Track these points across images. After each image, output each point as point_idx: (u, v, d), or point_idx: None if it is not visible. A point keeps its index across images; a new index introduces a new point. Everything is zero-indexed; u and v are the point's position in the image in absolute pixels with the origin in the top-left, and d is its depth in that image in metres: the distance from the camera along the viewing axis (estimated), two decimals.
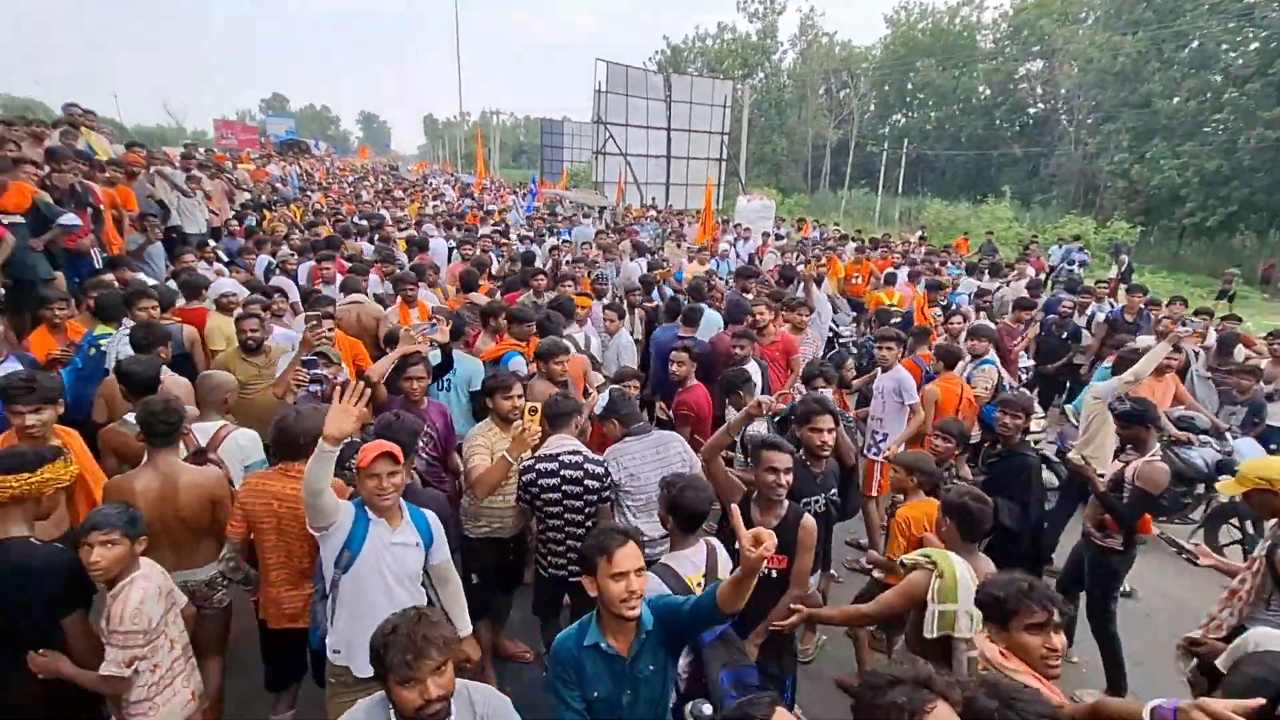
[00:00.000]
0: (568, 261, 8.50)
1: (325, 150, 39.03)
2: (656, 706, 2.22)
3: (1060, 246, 15.90)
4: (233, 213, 10.68)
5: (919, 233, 18.02)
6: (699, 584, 2.62)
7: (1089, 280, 12.79)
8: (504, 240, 10.49)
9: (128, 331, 4.15)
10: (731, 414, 4.29)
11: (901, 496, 3.62)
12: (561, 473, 3.26)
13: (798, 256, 11.29)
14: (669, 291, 7.83)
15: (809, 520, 2.96)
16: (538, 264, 8.41)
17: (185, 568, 2.96)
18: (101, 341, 4.32)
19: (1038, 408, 6.16)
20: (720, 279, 8.69)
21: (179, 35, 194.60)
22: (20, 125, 7.43)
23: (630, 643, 2.13)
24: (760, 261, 12.27)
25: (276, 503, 2.86)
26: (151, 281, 5.70)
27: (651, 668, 2.16)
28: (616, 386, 3.91)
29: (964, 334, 5.94)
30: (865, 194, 41.39)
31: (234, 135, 34.56)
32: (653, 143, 26.56)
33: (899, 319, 7.54)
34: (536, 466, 3.26)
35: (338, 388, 2.73)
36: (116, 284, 5.23)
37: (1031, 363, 7.87)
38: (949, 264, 11.45)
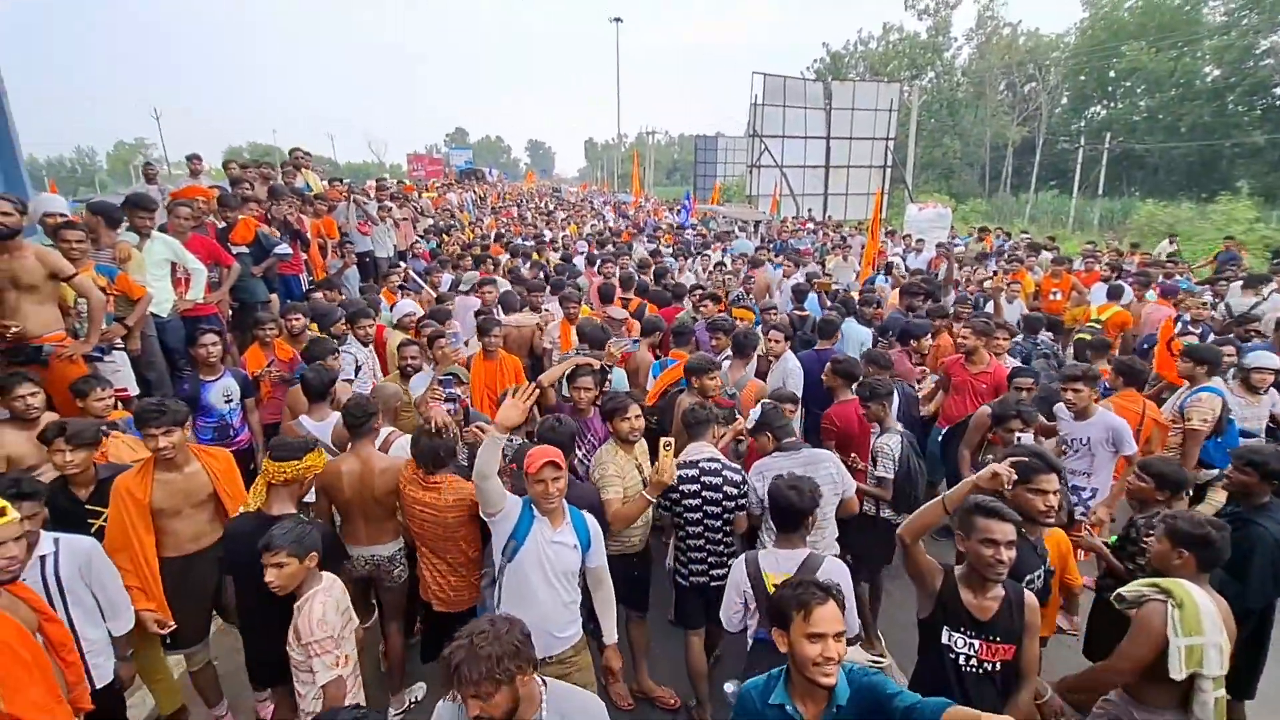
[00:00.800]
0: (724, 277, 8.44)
1: (497, 177, 42.32)
2: None
3: None
4: (417, 237, 11.75)
5: (1167, 242, 15.21)
6: (778, 585, 2.37)
7: None
8: (656, 259, 10.51)
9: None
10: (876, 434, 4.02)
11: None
12: (701, 479, 3.37)
13: (974, 269, 10.16)
14: (828, 302, 7.42)
15: (1032, 600, 2.47)
16: (690, 280, 8.37)
17: (374, 543, 3.46)
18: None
19: None
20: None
21: (381, 82, 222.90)
22: (253, 168, 8.69)
23: (819, 713, 1.93)
24: (936, 275, 11.27)
25: (419, 508, 3.26)
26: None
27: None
28: (770, 401, 3.91)
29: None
30: (1055, 197, 36.95)
31: (423, 167, 38.57)
32: (810, 153, 25.67)
33: (1091, 337, 6.10)
34: (676, 473, 3.29)
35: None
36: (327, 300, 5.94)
37: None
38: (1177, 277, 9.65)
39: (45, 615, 2.50)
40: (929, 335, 5.93)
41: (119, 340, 4.46)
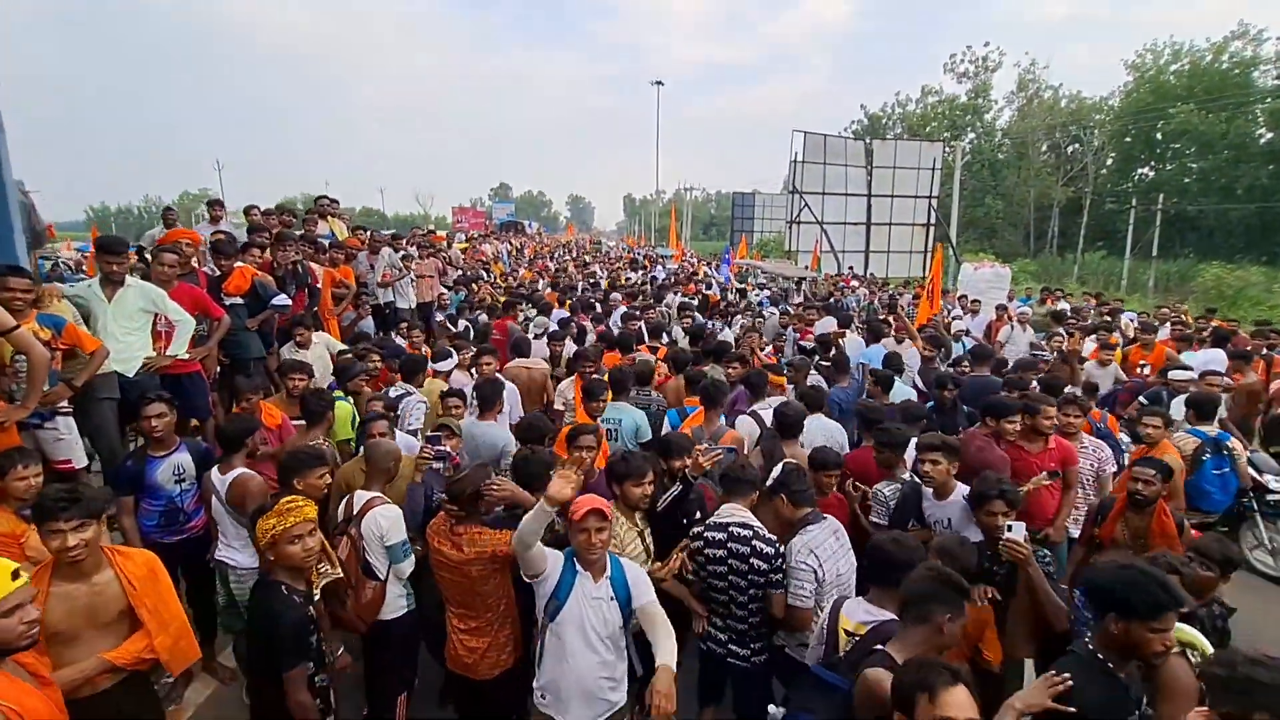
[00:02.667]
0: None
1: (536, 229, 42.82)
2: None
3: None
4: (444, 289, 11.26)
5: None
6: (850, 631, 2.52)
7: None
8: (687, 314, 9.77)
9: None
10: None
11: None
12: (729, 545, 3.10)
13: (1049, 337, 9.14)
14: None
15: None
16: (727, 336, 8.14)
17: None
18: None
19: None
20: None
21: (428, 137, 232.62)
22: (274, 215, 8.27)
23: None
24: (996, 339, 10.29)
25: (440, 558, 3.03)
26: None
27: None
28: (793, 461, 3.63)
29: None
30: (1104, 258, 35.58)
31: (466, 219, 39.40)
32: (851, 210, 25.08)
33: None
34: (705, 534, 3.16)
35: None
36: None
37: None
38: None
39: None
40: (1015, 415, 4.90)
41: (65, 404, 3.78)
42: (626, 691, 2.78)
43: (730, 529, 3.09)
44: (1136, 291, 29.03)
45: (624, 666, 2.75)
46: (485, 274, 14.58)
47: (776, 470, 3.40)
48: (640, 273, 19.37)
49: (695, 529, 3.20)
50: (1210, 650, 2.26)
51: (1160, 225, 32.68)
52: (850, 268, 22.55)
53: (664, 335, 8.54)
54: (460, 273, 12.34)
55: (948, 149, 28.43)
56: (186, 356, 4.68)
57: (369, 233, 8.93)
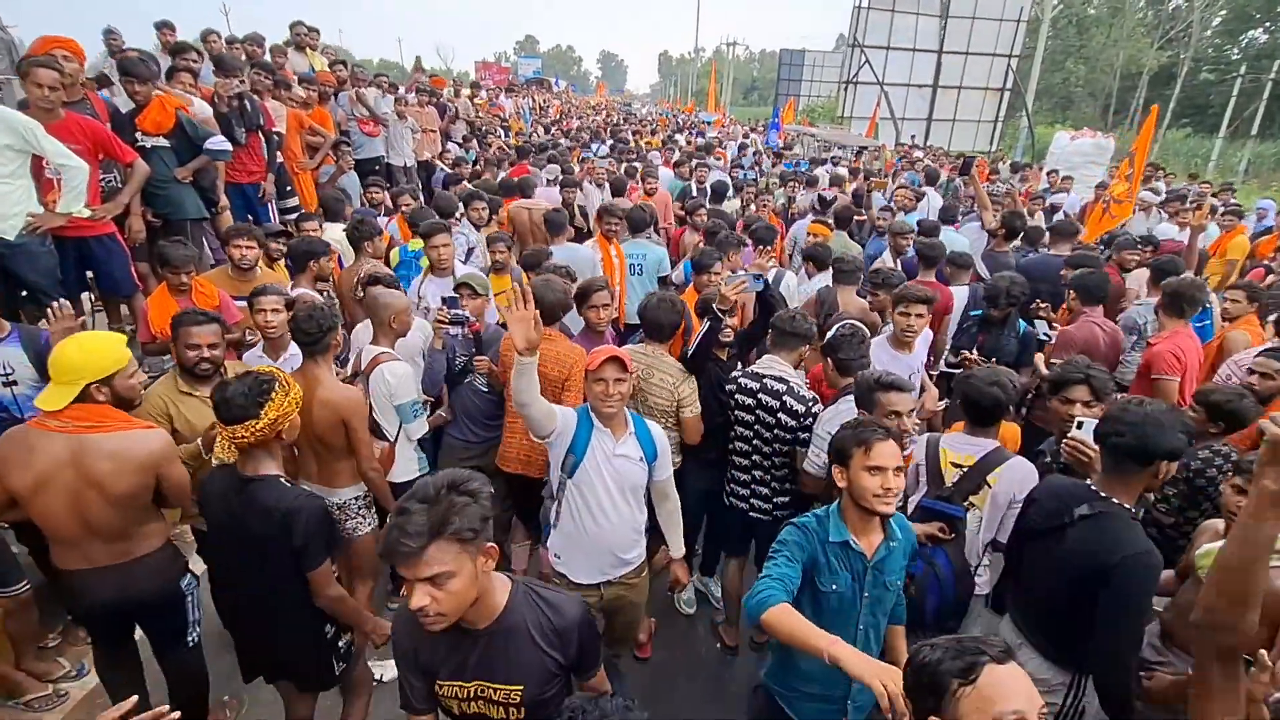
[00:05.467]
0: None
1: (564, 88, 39.50)
2: (879, 623, 2.08)
3: None
4: (456, 143, 9.81)
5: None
6: (958, 463, 2.59)
7: None
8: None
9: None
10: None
11: None
12: (759, 395, 3.00)
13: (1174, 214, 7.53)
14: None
15: None
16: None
17: (326, 485, 2.91)
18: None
19: None
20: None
21: None
22: (242, 44, 6.75)
23: (876, 546, 2.00)
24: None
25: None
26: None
27: (893, 574, 2.04)
28: (850, 322, 3.39)
29: None
30: (1187, 137, 31.76)
31: (491, 75, 36.52)
32: (917, 70, 22.09)
33: None
34: (739, 380, 3.09)
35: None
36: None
37: None
38: None
39: None
40: None
41: None
42: (645, 548, 2.71)
43: (765, 380, 2.97)
44: (1225, 178, 26.00)
45: (644, 521, 2.65)
46: (503, 132, 12.92)
47: (833, 330, 3.20)
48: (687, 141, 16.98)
49: (734, 373, 3.13)
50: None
51: (1269, 101, 28.68)
52: (913, 136, 20.13)
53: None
54: (469, 127, 10.76)
55: None
56: (90, 214, 3.56)
57: (349, 68, 7.37)
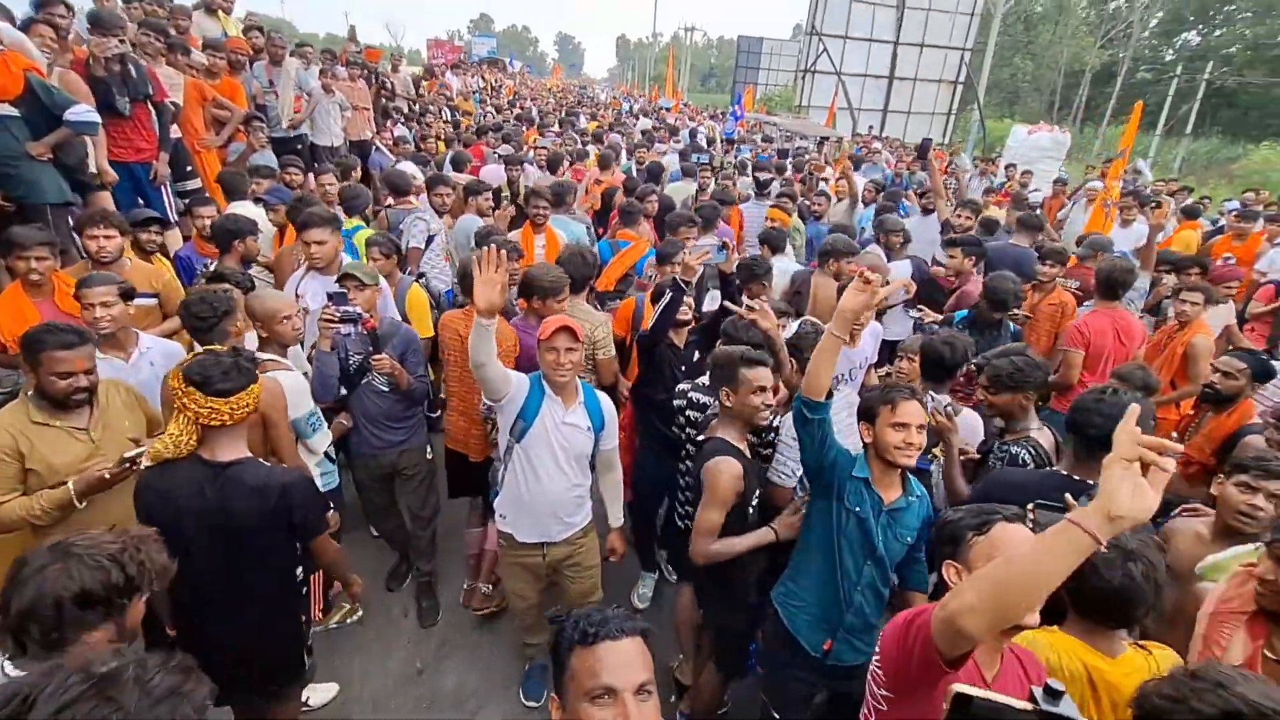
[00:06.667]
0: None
1: (520, 69, 38.21)
2: (886, 574, 2.17)
3: None
4: (398, 121, 9.10)
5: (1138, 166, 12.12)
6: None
7: None
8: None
9: None
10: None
11: None
12: (709, 411, 2.84)
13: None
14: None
15: None
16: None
17: None
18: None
19: None
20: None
21: None
22: (140, 2, 5.95)
23: (893, 500, 2.13)
24: (1054, 218, 8.69)
25: (460, 340, 3.02)
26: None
27: (907, 529, 2.15)
28: (812, 320, 3.42)
29: None
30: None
31: (443, 53, 35.07)
32: (874, 61, 22.06)
33: None
34: (688, 394, 2.99)
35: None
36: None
37: None
38: None
39: None
40: None
41: None
42: (589, 512, 2.77)
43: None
44: (1161, 173, 26.89)
45: (588, 486, 2.71)
46: (449, 111, 12.17)
47: (793, 325, 3.16)
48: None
49: (682, 386, 3.04)
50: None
51: (1202, 100, 29.77)
52: (870, 126, 20.08)
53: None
54: (409, 105, 10.01)
55: None
56: None
57: (267, 35, 6.62)
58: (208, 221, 3.71)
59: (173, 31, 5.17)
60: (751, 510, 2.47)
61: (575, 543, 2.70)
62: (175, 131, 4.65)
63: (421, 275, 4.38)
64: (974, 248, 4.55)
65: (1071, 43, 36.68)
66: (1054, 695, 0.91)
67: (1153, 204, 7.07)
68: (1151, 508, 1.07)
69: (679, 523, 2.97)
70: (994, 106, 37.72)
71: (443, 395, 3.67)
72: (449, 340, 3.18)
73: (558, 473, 2.55)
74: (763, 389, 2.39)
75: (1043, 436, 2.59)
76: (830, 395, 2.10)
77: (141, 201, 4.31)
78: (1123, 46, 35.81)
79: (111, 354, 2.68)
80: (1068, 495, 2.04)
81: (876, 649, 1.53)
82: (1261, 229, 7.60)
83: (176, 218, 4.38)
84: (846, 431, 2.68)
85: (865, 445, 2.14)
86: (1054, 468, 2.24)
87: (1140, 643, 1.71)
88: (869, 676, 1.58)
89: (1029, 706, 0.91)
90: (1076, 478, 2.15)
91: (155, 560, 1.50)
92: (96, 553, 1.39)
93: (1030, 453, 2.47)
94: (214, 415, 1.93)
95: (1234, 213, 8.07)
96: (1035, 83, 38.81)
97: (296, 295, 3.33)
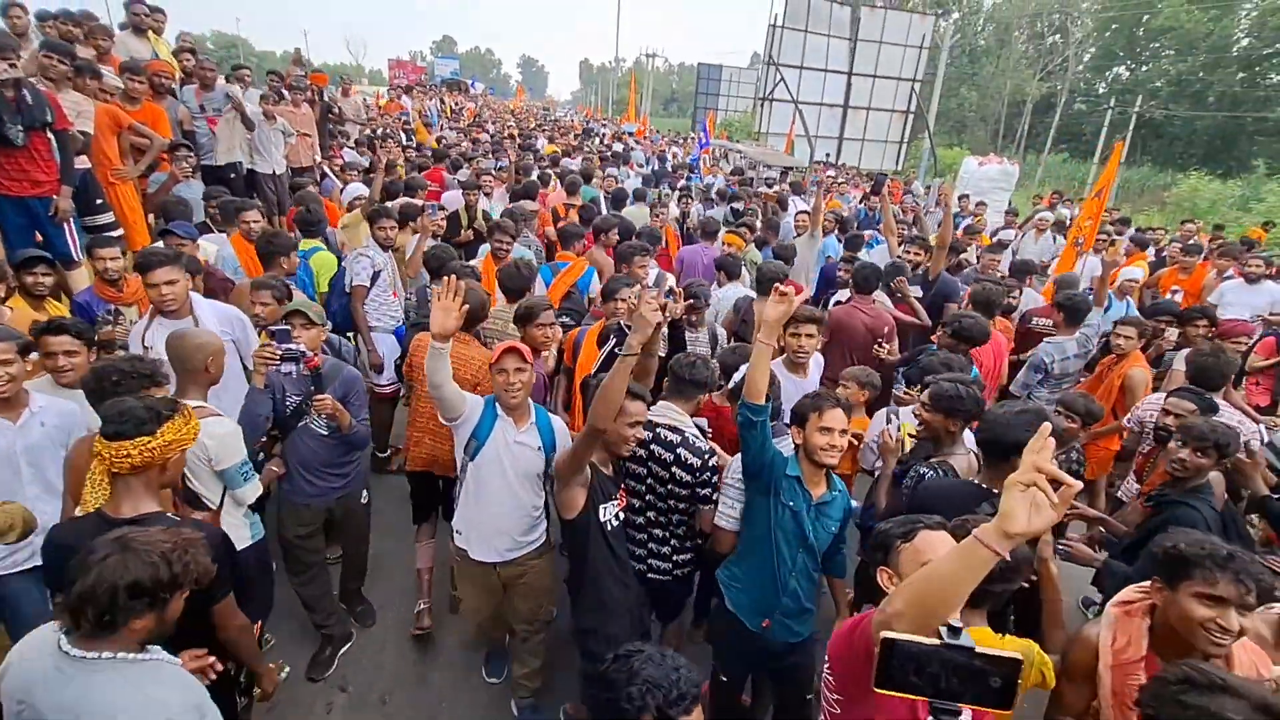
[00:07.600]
0: None
1: (482, 91, 37.84)
2: (816, 560, 2.43)
3: None
4: (350, 146, 8.72)
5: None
6: (914, 434, 3.00)
7: None
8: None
9: None
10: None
11: None
12: (651, 447, 2.73)
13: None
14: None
15: None
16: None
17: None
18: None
19: None
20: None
21: None
22: (56, 22, 5.47)
23: (820, 495, 2.40)
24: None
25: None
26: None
27: (832, 520, 2.42)
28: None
29: None
30: (1065, 161, 34.34)
31: (404, 74, 34.55)
32: (829, 90, 22.54)
33: None
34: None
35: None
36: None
37: None
38: None
39: None
40: None
41: None
42: (545, 532, 2.80)
43: (658, 429, 2.76)
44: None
45: (542, 506, 2.75)
46: (404, 135, 11.79)
47: (738, 375, 3.06)
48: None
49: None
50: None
51: (1134, 130, 31.33)
52: (827, 154, 20.42)
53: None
54: (360, 130, 9.64)
55: (939, 24, 25.70)
56: None
57: (197, 58, 6.07)
58: (110, 264, 3.32)
59: (87, 53, 4.75)
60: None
61: (525, 564, 2.73)
62: (84, 162, 4.22)
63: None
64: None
65: (1013, 75, 38.35)
66: (954, 631, 1.13)
67: (1106, 240, 7.19)
68: (1048, 525, 1.16)
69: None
70: (943, 135, 39.06)
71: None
72: (420, 362, 3.15)
73: (507, 491, 2.63)
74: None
75: (961, 461, 2.68)
76: (768, 399, 2.30)
77: (40, 239, 3.88)
78: (1060, 79, 37.58)
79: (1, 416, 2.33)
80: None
81: (826, 658, 1.64)
82: (1205, 260, 7.81)
83: (81, 256, 3.95)
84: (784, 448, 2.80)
85: (796, 447, 2.41)
86: (972, 479, 2.48)
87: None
88: (821, 683, 1.69)
89: (937, 641, 1.12)
90: (986, 487, 2.36)
91: (199, 562, 1.58)
92: (151, 549, 1.48)
93: (937, 474, 2.59)
94: (118, 454, 1.82)
95: (1177, 245, 8.30)
96: (980, 112, 40.36)
97: (145, 347, 2.97)
